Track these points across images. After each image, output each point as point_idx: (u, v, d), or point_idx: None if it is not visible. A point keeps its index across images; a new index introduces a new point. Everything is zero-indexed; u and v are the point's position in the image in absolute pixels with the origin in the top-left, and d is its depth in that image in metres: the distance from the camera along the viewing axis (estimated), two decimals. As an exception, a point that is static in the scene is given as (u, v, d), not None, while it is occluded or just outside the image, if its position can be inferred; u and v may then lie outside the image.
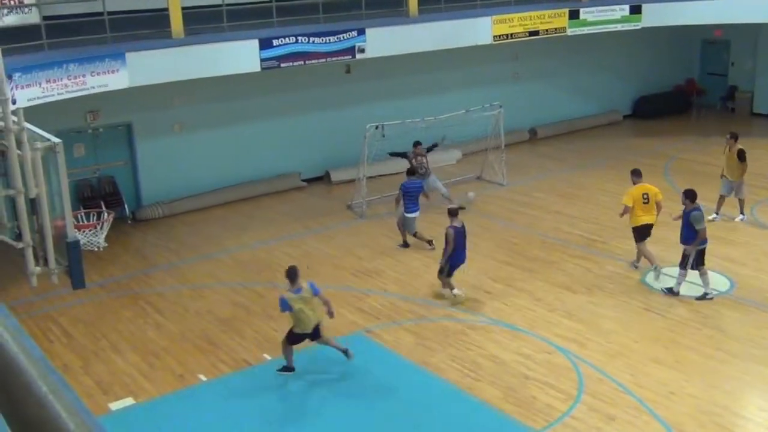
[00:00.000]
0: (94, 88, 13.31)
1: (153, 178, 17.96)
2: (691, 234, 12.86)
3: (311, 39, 16.93)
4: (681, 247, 13.12)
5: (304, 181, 20.12)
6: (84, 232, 12.34)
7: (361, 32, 17.62)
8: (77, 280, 8.11)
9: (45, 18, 13.43)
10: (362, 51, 17.77)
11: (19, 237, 7.77)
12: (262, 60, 16.30)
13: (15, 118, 7.50)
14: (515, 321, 12.57)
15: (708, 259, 14.22)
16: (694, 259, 13.03)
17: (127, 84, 14.03)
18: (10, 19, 12.29)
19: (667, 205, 14.03)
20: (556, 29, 21.36)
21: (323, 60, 17.35)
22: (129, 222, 17.39)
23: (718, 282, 13.66)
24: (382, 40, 17.99)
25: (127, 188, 17.67)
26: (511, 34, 20.56)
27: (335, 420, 10.27)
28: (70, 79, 12.81)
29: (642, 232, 14.18)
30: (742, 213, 16.60)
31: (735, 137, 16.37)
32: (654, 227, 14.08)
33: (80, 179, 16.82)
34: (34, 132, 7.80)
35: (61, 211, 7.78)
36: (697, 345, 11.73)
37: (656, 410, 10.04)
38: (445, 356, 11.58)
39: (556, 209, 17.75)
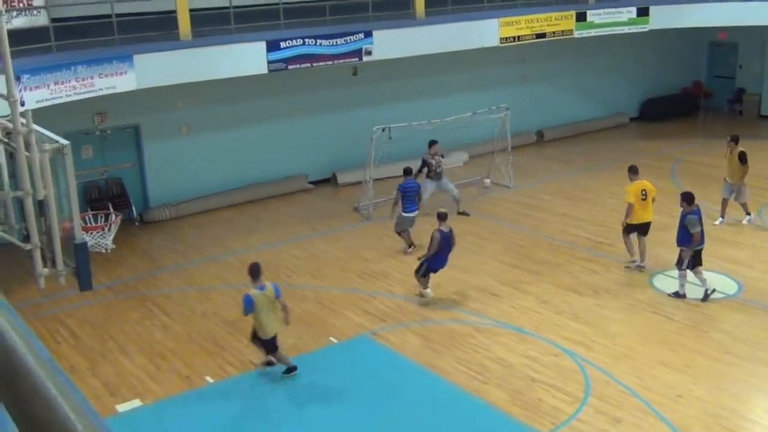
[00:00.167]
0: (102, 90, 13.39)
1: (160, 180, 18.06)
2: (687, 236, 12.94)
3: (318, 41, 16.99)
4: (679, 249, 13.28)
5: (310, 183, 20.20)
6: (92, 233, 12.36)
7: (368, 34, 17.70)
8: (84, 282, 8.13)
9: (53, 20, 13.54)
10: (369, 53, 17.82)
11: (27, 239, 7.79)
12: (269, 62, 16.37)
13: (24, 120, 7.50)
14: (522, 323, 12.60)
15: (714, 261, 14.33)
16: (690, 261, 13.07)
17: (134, 86, 14.12)
18: (19, 22, 12.37)
19: (677, 209, 13.90)
20: (563, 31, 21.38)
21: (330, 62, 17.39)
22: (136, 224, 17.49)
23: (725, 285, 13.69)
24: (389, 43, 18.04)
25: (135, 190, 17.77)
26: (518, 37, 20.59)
27: (341, 422, 10.29)
28: (78, 81, 12.88)
29: (639, 230, 14.31)
30: (748, 214, 16.57)
31: (736, 140, 16.37)
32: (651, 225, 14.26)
33: (88, 181, 16.94)
34: (43, 134, 7.80)
35: (69, 212, 7.83)
36: (704, 348, 11.74)
37: (663, 413, 10.06)
38: (452, 359, 11.61)
39: (562, 212, 17.80)
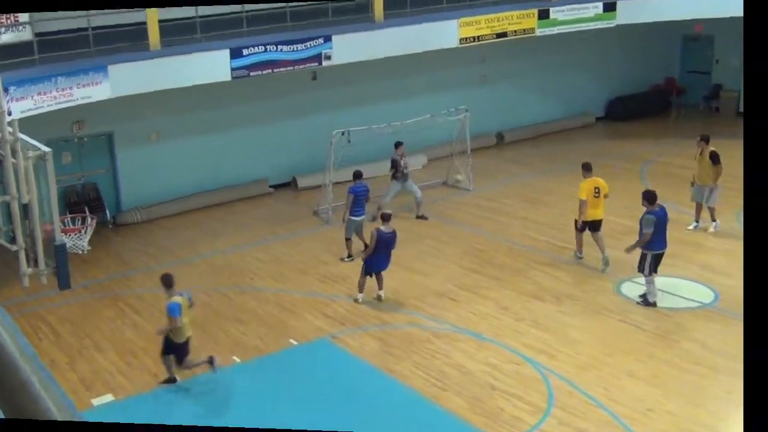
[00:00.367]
0: (79, 99, 16.48)
1: (132, 184, 21.26)
2: (651, 237, 14.23)
3: (279, 47, 19.85)
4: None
5: (272, 187, 23.23)
6: (70, 235, 14.80)
7: (327, 39, 20.46)
8: (63, 282, 9.82)
9: (37, 35, 16.43)
10: (328, 58, 20.63)
11: (13, 240, 9.33)
12: (232, 69, 19.34)
13: (11, 129, 8.92)
14: (481, 329, 14.04)
15: (689, 268, 15.88)
16: (650, 264, 14.30)
17: (109, 95, 17.14)
18: (7, 37, 15.73)
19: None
20: (524, 30, 23.70)
21: (291, 68, 20.27)
22: (110, 226, 20.71)
23: (701, 293, 15.07)
24: (348, 47, 20.79)
25: (109, 194, 21.10)
26: (478, 37, 22.99)
27: (298, 423, 11.21)
28: (58, 92, 15.99)
29: (591, 227, 16.09)
30: (714, 220, 17.82)
31: (706, 140, 17.58)
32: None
33: (67, 186, 20.11)
34: (27, 142, 9.26)
35: (49, 215, 9.41)
36: (673, 358, 12.77)
37: (632, 426, 11.00)
38: (410, 364, 13.01)
39: (523, 215, 19.88)
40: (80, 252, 15.07)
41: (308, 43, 20.43)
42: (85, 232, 15.46)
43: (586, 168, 16.32)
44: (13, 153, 8.93)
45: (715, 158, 17.54)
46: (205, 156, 22.46)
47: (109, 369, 13.85)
